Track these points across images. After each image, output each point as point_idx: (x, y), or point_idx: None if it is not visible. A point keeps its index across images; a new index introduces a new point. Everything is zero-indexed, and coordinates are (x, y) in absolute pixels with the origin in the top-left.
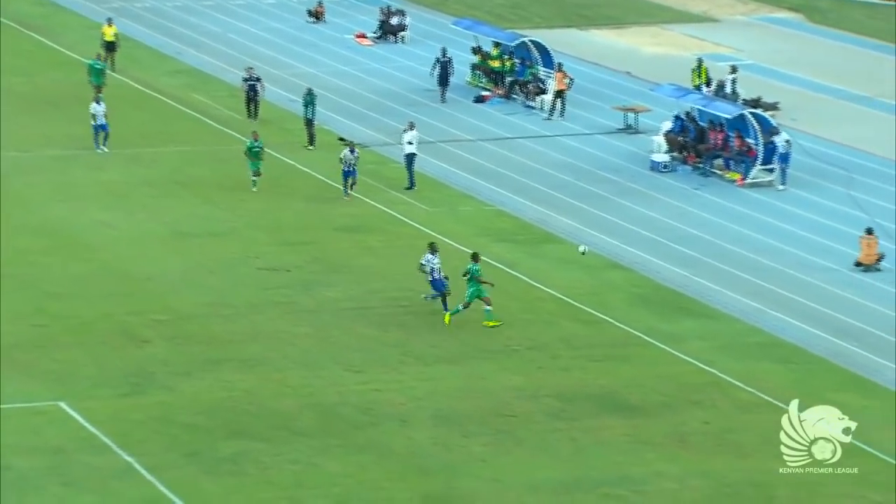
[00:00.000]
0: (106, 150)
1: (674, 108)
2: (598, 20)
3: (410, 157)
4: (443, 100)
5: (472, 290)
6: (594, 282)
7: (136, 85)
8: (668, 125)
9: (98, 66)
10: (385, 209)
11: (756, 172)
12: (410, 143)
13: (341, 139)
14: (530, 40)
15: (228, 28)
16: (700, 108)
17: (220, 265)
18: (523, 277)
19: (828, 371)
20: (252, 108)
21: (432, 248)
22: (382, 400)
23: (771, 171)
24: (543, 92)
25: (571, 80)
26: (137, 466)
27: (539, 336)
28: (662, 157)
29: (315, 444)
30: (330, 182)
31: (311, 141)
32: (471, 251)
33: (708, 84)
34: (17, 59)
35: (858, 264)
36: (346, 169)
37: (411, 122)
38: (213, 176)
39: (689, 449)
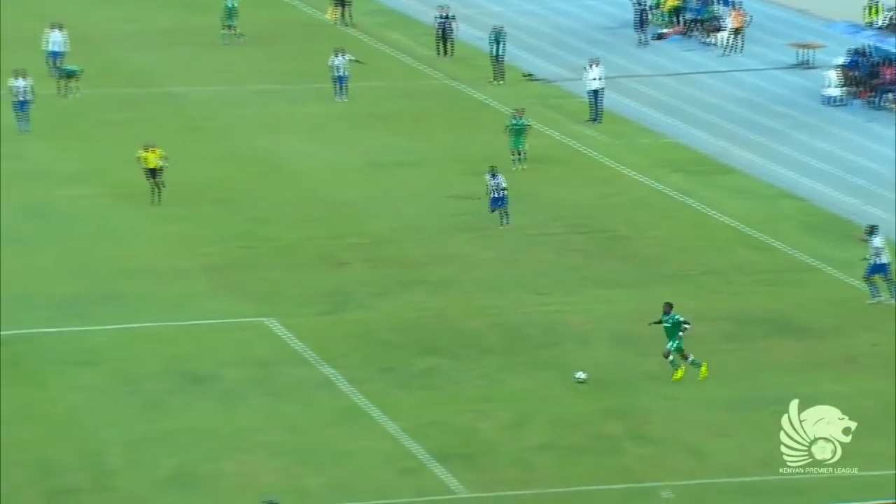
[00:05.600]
0: (345, 99)
1: (847, 45)
2: None
3: (595, 92)
4: (640, 42)
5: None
6: (767, 211)
7: (337, 24)
8: (841, 60)
9: (230, 6)
10: (568, 141)
11: None
12: (595, 78)
13: (527, 75)
14: None
15: None
16: (873, 44)
17: (413, 193)
18: (698, 206)
19: None
20: (445, 45)
21: None
22: (564, 321)
23: None
24: (720, 29)
25: (748, 17)
26: (337, 379)
27: (713, 262)
28: (835, 91)
29: (500, 361)
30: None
31: (499, 77)
32: (651, 182)
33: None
34: None
35: None
36: (496, 195)
37: (596, 59)
38: (406, 110)
39: (858, 370)
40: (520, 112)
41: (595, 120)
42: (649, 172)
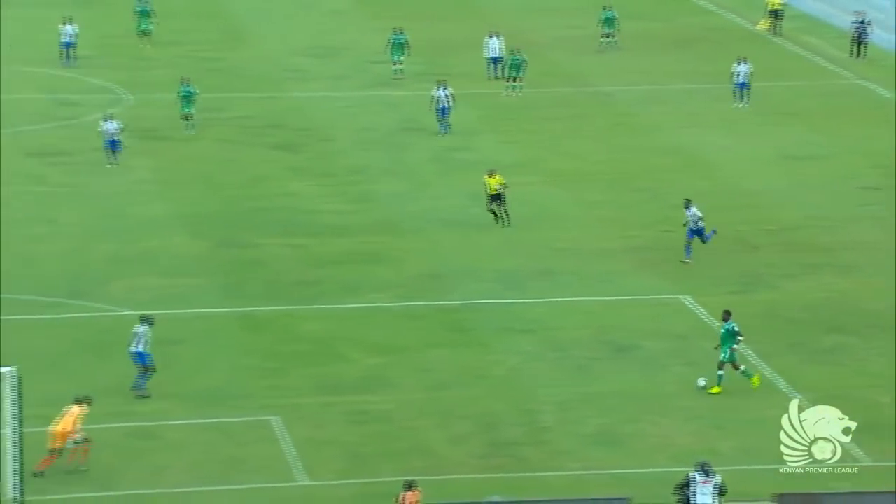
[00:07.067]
0: (747, 105)
1: None
2: None
3: None
4: None
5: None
6: None
7: (743, 23)
8: None
9: (607, 16)
10: None
11: None
12: None
13: None
14: None
15: None
16: None
17: (822, 184)
18: None
19: None
20: (858, 48)
21: None
22: None
23: None
24: None
25: None
26: (748, 353)
27: None
28: None
29: None
30: None
31: None
32: None
33: None
34: (648, 5)
35: None
36: (692, 227)
37: None
38: (818, 107)
39: None
40: None
41: None
42: None
